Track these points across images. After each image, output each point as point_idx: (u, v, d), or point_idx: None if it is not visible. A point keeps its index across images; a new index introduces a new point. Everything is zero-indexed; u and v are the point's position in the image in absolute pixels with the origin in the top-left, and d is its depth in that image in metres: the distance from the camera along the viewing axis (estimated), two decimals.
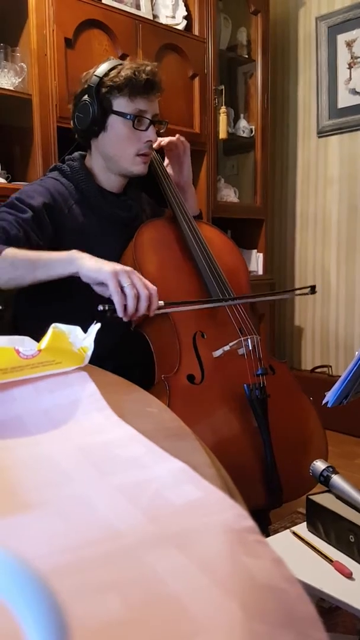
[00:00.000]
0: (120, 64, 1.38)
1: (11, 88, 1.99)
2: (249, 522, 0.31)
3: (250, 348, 1.34)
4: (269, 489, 1.27)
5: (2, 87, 1.97)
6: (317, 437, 1.41)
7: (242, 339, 1.34)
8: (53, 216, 1.36)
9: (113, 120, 1.36)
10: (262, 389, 1.30)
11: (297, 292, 1.41)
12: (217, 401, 1.30)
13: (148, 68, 1.35)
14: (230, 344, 1.32)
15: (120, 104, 1.35)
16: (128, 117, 1.35)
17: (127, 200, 1.47)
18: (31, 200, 1.32)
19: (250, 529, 0.31)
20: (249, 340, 1.34)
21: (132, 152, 1.39)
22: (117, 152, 1.39)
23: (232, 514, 0.32)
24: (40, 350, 0.54)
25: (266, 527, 1.44)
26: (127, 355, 1.25)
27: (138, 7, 2.35)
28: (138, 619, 0.25)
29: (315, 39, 3.04)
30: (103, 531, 0.32)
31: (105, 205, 1.44)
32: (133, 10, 2.29)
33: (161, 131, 1.50)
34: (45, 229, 1.33)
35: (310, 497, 1.12)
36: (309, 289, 1.42)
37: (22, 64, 2.02)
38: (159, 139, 1.55)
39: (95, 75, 1.36)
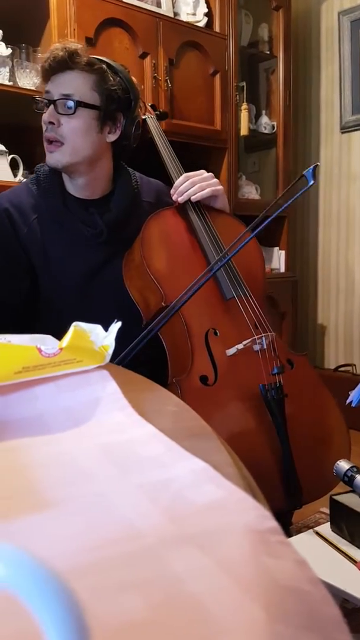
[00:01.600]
0: None
1: (33, 88, 2.00)
2: (272, 523, 0.31)
3: (265, 346, 1.29)
4: (288, 491, 1.24)
5: (24, 87, 1.99)
6: (338, 434, 1.36)
7: (256, 337, 1.29)
8: (17, 244, 1.32)
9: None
10: (278, 389, 1.26)
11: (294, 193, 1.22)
12: (231, 402, 1.26)
13: (56, 46, 1.26)
14: (245, 342, 1.27)
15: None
16: (34, 100, 1.28)
17: (94, 213, 1.34)
18: None
19: (273, 529, 0.31)
20: (264, 338, 1.29)
21: (44, 140, 1.30)
22: None
23: (255, 514, 0.32)
24: (61, 349, 0.54)
25: (288, 529, 1.41)
26: (139, 353, 1.22)
27: (159, 4, 2.35)
28: (159, 620, 0.25)
29: (337, 34, 3.00)
30: (124, 531, 0.31)
31: (69, 218, 1.33)
32: (154, 8, 2.29)
33: (68, 112, 1.26)
34: (15, 269, 1.33)
35: (334, 497, 1.11)
36: (303, 177, 1.21)
37: None
38: (188, 193, 1.39)
39: None
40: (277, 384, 1.26)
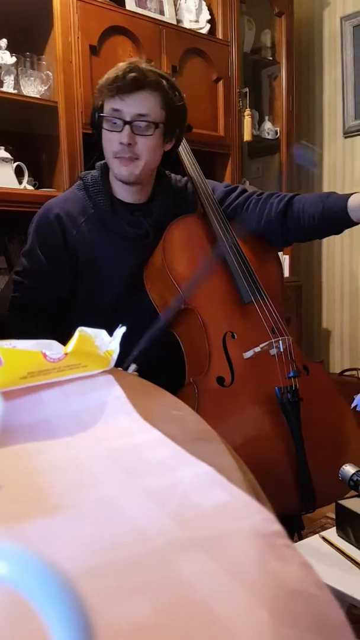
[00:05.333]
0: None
1: (37, 96, 2.02)
2: (277, 526, 0.31)
3: (282, 350, 1.31)
4: (302, 494, 1.25)
5: (29, 95, 2.00)
6: (354, 440, 1.37)
7: (272, 340, 1.31)
8: (65, 249, 1.37)
9: (101, 123, 1.33)
10: (294, 392, 1.28)
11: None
12: (247, 404, 1.27)
13: (124, 65, 1.29)
14: (262, 345, 1.29)
15: (104, 105, 1.31)
16: (104, 117, 1.30)
17: (139, 216, 1.40)
18: (32, 277, 1.37)
19: (278, 533, 0.31)
20: (281, 341, 1.31)
21: (110, 154, 1.33)
22: (105, 155, 1.36)
23: (260, 518, 0.32)
24: (66, 354, 0.54)
25: (299, 532, 1.41)
26: (154, 357, 1.24)
27: (162, 12, 2.36)
28: (167, 623, 0.25)
29: (340, 39, 3.01)
30: (132, 534, 0.32)
31: (116, 220, 1.38)
32: (157, 16, 2.31)
33: (145, 133, 1.31)
34: (60, 274, 1.38)
35: (340, 502, 1.10)
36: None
37: (47, 72, 2.05)
38: None
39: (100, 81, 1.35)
40: (293, 387, 1.28)
